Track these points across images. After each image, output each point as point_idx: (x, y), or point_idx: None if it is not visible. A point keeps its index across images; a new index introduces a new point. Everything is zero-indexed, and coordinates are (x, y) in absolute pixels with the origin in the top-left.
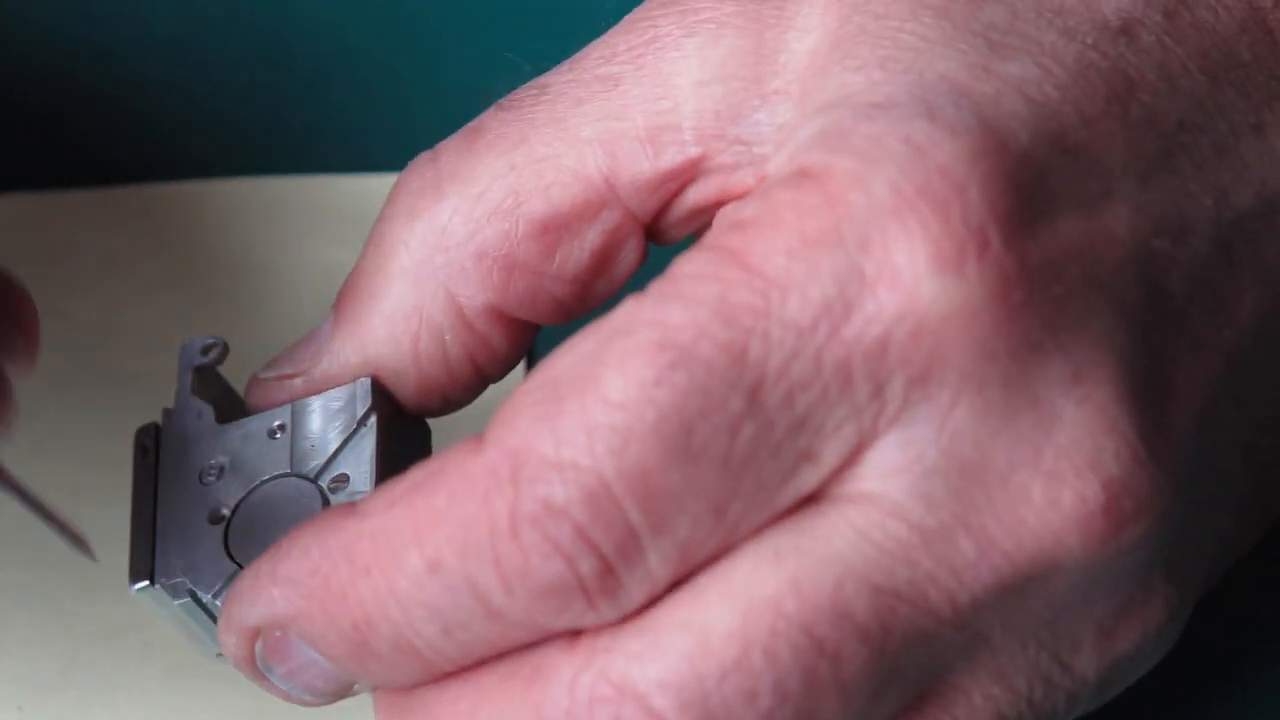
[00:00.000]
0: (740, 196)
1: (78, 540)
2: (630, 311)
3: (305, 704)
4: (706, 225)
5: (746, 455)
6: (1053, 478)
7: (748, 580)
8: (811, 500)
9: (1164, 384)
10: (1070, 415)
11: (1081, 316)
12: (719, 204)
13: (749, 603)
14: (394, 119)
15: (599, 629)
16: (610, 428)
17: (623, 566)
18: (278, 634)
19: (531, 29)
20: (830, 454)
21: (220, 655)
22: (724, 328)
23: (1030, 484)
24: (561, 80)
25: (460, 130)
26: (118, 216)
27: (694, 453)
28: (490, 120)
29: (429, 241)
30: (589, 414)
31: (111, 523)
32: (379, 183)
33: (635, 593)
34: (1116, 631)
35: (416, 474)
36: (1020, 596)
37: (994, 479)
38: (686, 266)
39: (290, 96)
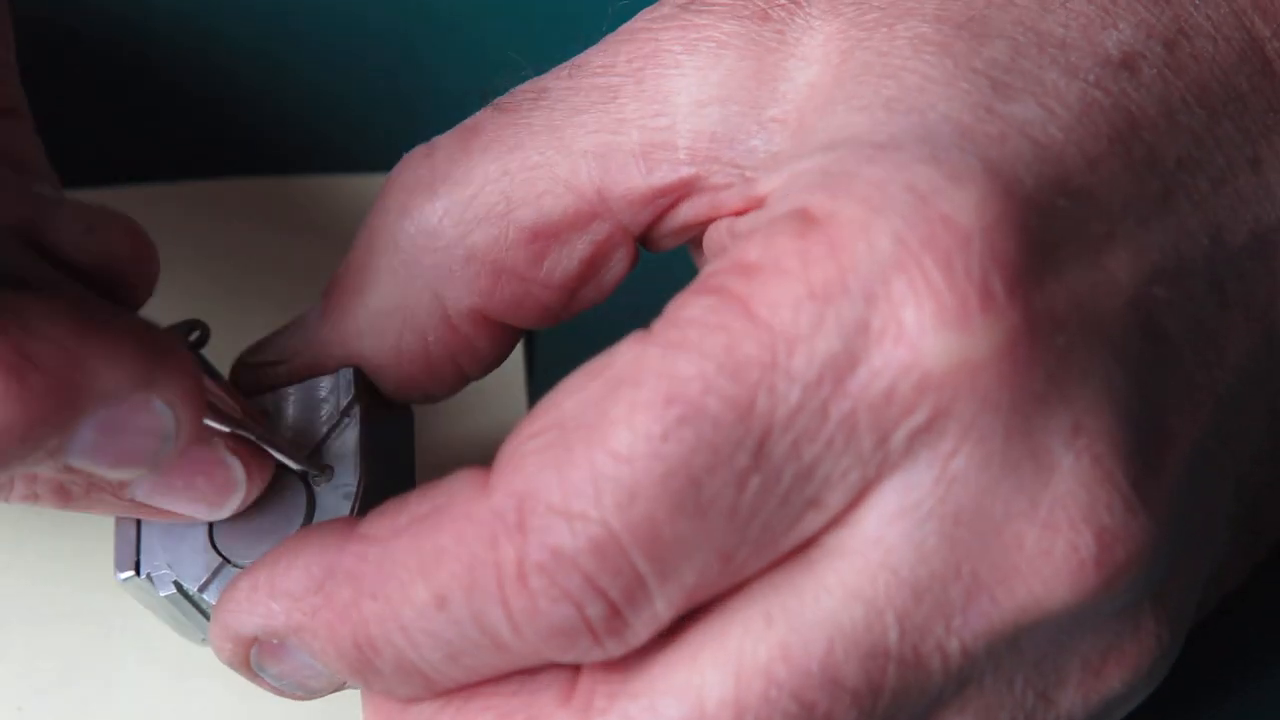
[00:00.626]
0: (732, 213)
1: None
2: (637, 358)
3: (297, 698)
4: (697, 238)
5: (753, 506)
6: (1047, 528)
7: (739, 645)
8: (805, 548)
9: (1158, 429)
10: (1068, 467)
11: (1084, 367)
12: (710, 220)
13: (740, 669)
14: (395, 119)
15: (593, 687)
16: (618, 481)
17: (630, 610)
18: (275, 642)
19: (533, 30)
20: (835, 501)
21: (205, 640)
22: (731, 382)
23: (1025, 533)
24: (560, 86)
25: (456, 128)
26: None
27: (701, 506)
28: (487, 121)
29: (418, 241)
30: (596, 465)
31: (111, 523)
32: (379, 183)
33: (641, 632)
34: (1104, 670)
35: (421, 505)
36: (1011, 642)
37: (989, 528)
38: (691, 311)
39: (291, 96)
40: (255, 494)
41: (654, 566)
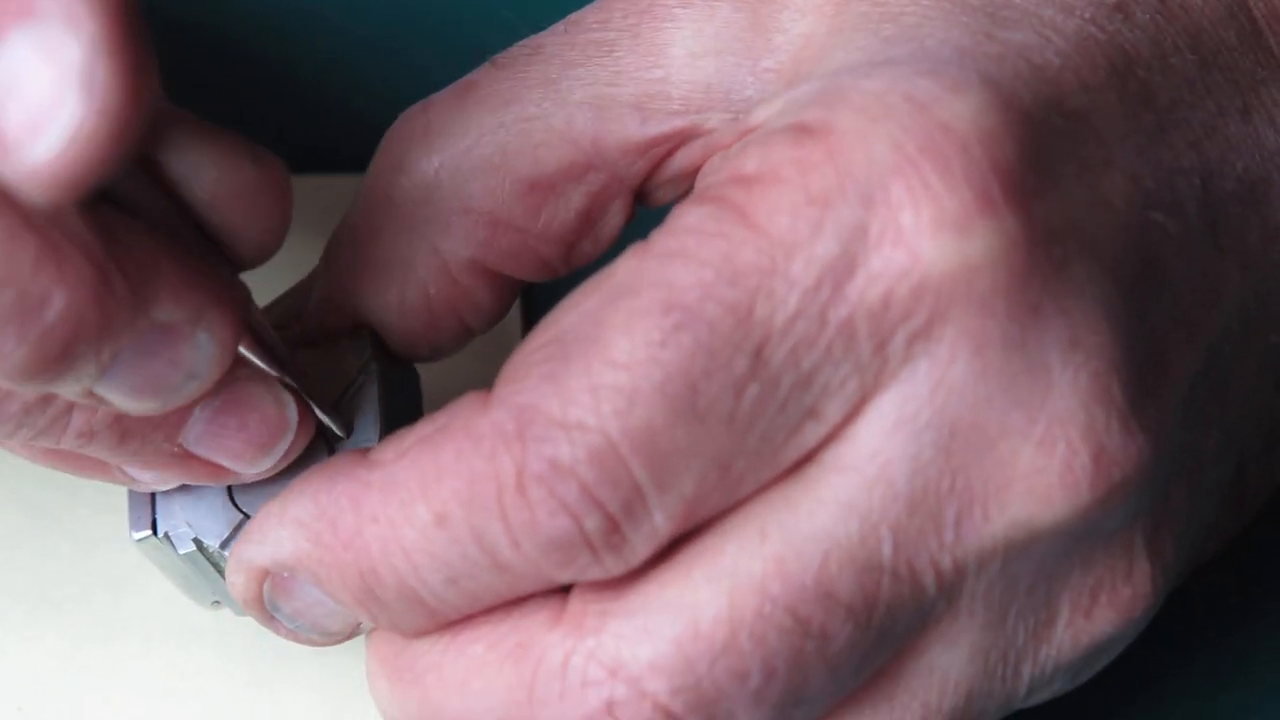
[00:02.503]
0: (723, 150)
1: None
2: (635, 269)
3: (314, 643)
4: (690, 189)
5: (752, 413)
6: (1043, 444)
7: (734, 561)
8: (803, 463)
9: (1156, 357)
10: (1066, 382)
11: (1080, 282)
12: (704, 163)
13: (735, 585)
14: (395, 119)
15: (583, 607)
16: (616, 388)
17: (628, 523)
18: (285, 574)
19: (536, 29)
20: (834, 410)
21: (216, 603)
22: (729, 288)
23: (1020, 449)
24: (555, 41)
25: (452, 85)
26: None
27: (700, 412)
28: (483, 77)
29: (415, 195)
30: (595, 374)
31: (111, 523)
32: None
33: (640, 548)
34: (1095, 610)
35: (425, 427)
36: (1002, 563)
37: (984, 441)
38: (689, 220)
39: (298, 95)
40: (302, 443)
41: (652, 476)
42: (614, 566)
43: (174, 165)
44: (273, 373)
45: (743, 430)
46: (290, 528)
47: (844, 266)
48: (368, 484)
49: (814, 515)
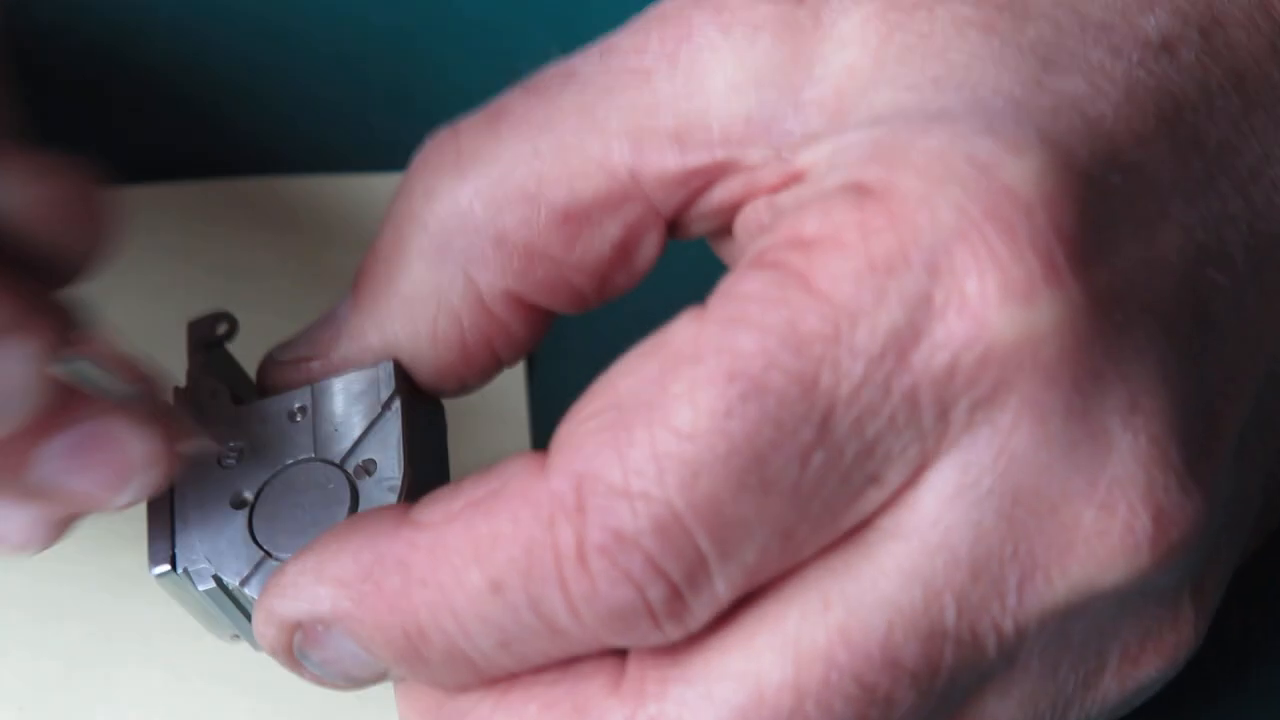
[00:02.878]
0: (767, 190)
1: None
2: (696, 337)
3: (339, 688)
4: (723, 226)
5: (816, 483)
6: (1105, 508)
7: (798, 628)
8: (861, 529)
9: (1208, 413)
10: (1126, 446)
11: (1140, 344)
12: (743, 201)
13: (799, 653)
14: (402, 118)
15: (643, 673)
16: (681, 459)
17: (691, 593)
18: (320, 628)
19: (532, 28)
20: (895, 476)
21: (236, 636)
22: (794, 357)
23: (1082, 513)
24: (590, 68)
25: (482, 109)
26: (127, 216)
27: (765, 483)
28: (515, 102)
29: (448, 224)
30: (659, 444)
31: (113, 522)
32: (387, 182)
33: (701, 615)
34: (1142, 658)
35: (475, 490)
36: (1062, 622)
37: (1046, 507)
38: (750, 286)
39: (297, 95)
40: (157, 481)
41: (716, 546)
42: (674, 633)
43: None
44: (127, 399)
45: (807, 499)
46: (329, 585)
47: (909, 335)
48: (414, 545)
49: (877, 583)
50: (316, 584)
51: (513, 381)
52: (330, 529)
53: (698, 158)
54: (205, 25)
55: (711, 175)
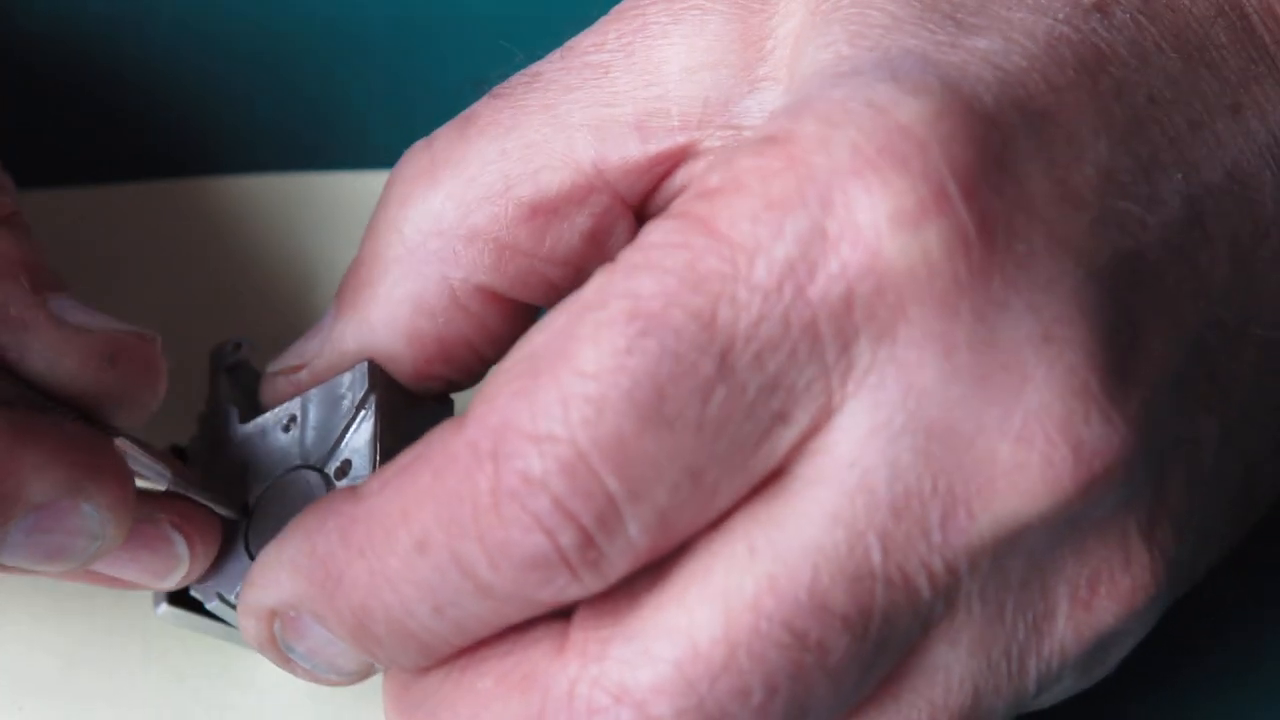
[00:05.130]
0: None
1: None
2: (602, 285)
3: (331, 683)
4: None
5: (720, 418)
6: (1021, 440)
7: (725, 580)
8: (780, 476)
9: (1136, 344)
10: (1041, 376)
11: (1050, 276)
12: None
13: (729, 604)
14: (398, 116)
15: (585, 635)
16: (584, 397)
17: (603, 536)
18: (292, 614)
19: (531, 25)
20: (802, 414)
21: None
22: (693, 294)
23: (998, 446)
24: (553, 68)
25: (455, 119)
26: (122, 213)
27: (668, 418)
28: (483, 108)
29: (422, 227)
30: (563, 385)
31: None
32: (379, 180)
33: (618, 562)
34: (1094, 601)
35: (406, 455)
36: (994, 559)
37: (961, 442)
38: (654, 235)
39: (295, 94)
40: (202, 564)
41: (624, 485)
42: (593, 583)
43: (32, 364)
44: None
45: (712, 436)
46: (287, 569)
47: (804, 268)
48: (354, 518)
49: (800, 529)
50: (279, 569)
51: None
52: (295, 517)
53: (659, 144)
54: (208, 23)
55: (674, 159)
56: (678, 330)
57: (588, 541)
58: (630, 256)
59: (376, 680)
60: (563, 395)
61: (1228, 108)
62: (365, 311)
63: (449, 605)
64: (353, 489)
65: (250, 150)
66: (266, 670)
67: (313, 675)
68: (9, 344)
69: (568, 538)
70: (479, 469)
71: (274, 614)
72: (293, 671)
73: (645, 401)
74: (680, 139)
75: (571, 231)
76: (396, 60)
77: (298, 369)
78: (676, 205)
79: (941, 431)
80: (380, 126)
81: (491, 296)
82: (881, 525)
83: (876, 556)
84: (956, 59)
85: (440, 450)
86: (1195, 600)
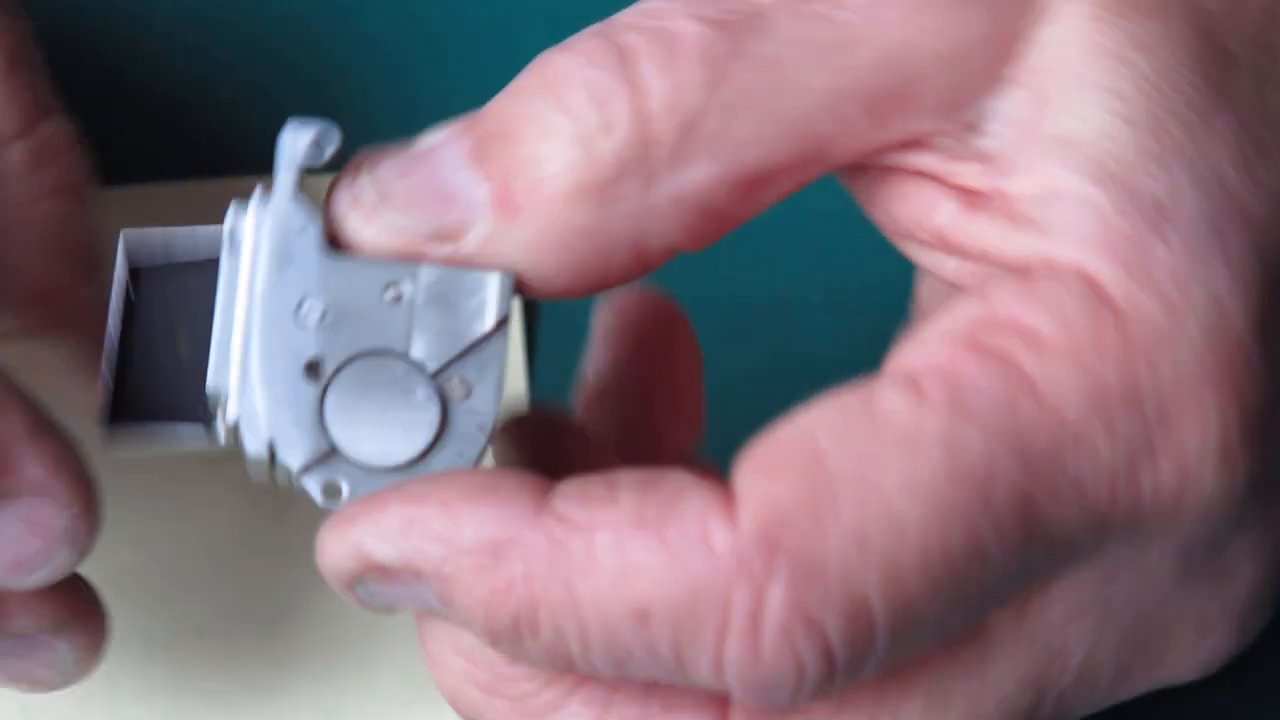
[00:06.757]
0: (960, 188)
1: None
2: (916, 419)
3: (373, 610)
4: (911, 228)
5: (990, 592)
6: (1204, 632)
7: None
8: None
9: None
10: (1245, 578)
11: (1276, 497)
12: (928, 177)
13: None
14: (400, 117)
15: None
16: (892, 557)
17: (845, 676)
18: (408, 576)
19: (534, 26)
20: (1039, 583)
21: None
22: (1021, 473)
23: (1183, 634)
24: (784, 13)
25: (651, 33)
26: (122, 215)
27: (954, 594)
28: (695, 40)
29: (625, 166)
30: (869, 530)
31: (113, 521)
32: None
33: (836, 690)
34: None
35: (639, 504)
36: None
37: (1158, 629)
38: (972, 371)
39: (296, 95)
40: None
41: (892, 640)
42: (800, 701)
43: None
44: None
45: (977, 606)
46: (444, 548)
47: (1125, 479)
48: (556, 543)
49: (1000, 685)
50: (426, 540)
51: (513, 378)
52: (450, 477)
53: (891, 131)
54: (208, 23)
55: (901, 147)
56: (998, 508)
57: (829, 678)
58: (942, 391)
59: (380, 681)
60: (865, 539)
61: None
62: (536, 231)
63: (635, 669)
64: (543, 491)
65: (249, 151)
66: (269, 669)
67: (360, 603)
68: None
69: (815, 673)
70: (747, 582)
71: (384, 569)
72: (341, 592)
73: (947, 577)
74: (914, 128)
75: (772, 199)
76: (398, 61)
77: (416, 233)
78: (988, 331)
79: (1146, 619)
80: (381, 127)
81: (671, 254)
82: (1063, 689)
83: (1047, 711)
84: (1260, 210)
85: (698, 533)
86: None
